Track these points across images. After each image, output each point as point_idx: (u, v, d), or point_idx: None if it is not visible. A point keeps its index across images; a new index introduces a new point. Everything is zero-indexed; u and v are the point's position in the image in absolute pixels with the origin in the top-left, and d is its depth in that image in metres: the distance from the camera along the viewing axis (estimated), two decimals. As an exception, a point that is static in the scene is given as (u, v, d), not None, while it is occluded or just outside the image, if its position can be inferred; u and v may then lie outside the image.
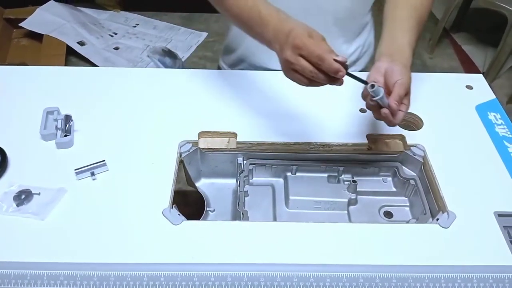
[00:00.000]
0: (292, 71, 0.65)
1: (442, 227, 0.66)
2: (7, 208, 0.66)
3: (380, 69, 0.71)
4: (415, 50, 0.74)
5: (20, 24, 2.23)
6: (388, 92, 0.68)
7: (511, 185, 0.72)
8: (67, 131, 0.77)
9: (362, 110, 0.85)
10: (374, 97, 0.66)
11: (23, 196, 0.67)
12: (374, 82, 0.66)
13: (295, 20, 0.67)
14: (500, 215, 0.67)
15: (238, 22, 0.75)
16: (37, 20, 2.26)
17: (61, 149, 0.76)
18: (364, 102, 0.87)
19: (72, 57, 2.23)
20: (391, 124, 0.69)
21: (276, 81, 0.91)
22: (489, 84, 0.93)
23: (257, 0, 0.71)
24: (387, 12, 0.80)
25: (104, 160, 0.72)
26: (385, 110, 0.67)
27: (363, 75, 0.70)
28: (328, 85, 0.90)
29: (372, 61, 1.00)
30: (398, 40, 0.74)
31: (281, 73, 0.93)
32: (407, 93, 0.68)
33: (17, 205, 0.67)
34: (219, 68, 1.09)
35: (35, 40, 2.24)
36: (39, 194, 0.68)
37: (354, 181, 0.79)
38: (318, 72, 0.63)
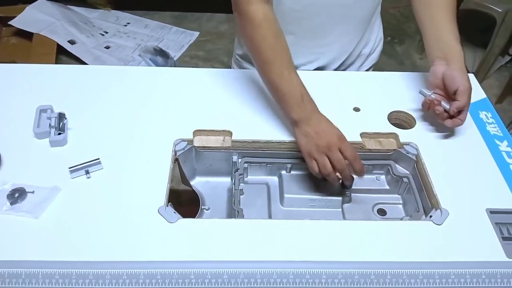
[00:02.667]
0: (313, 161, 0.73)
1: (435, 224, 0.67)
2: (0, 206, 0.66)
3: (437, 74, 0.79)
4: (459, 39, 0.81)
5: (9, 22, 2.20)
6: (449, 97, 0.79)
7: (502, 182, 0.73)
8: (60, 129, 0.76)
9: (355, 109, 0.86)
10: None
11: (16, 195, 0.67)
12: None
13: (323, 116, 0.75)
14: (492, 212, 0.68)
15: (272, 82, 0.76)
16: (27, 19, 2.24)
17: (55, 147, 0.75)
18: (359, 101, 0.88)
19: (62, 56, 2.21)
20: (451, 125, 0.79)
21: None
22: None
23: (298, 76, 0.76)
24: (422, 12, 0.84)
25: (98, 159, 0.72)
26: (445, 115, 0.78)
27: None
28: (323, 84, 0.91)
29: (381, 55, 1.05)
30: (445, 38, 0.80)
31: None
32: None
33: (11, 204, 0.66)
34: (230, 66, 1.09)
35: (25, 38, 2.22)
36: (33, 192, 0.68)
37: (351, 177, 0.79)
38: (333, 172, 0.72)
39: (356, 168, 0.73)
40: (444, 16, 0.82)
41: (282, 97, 0.76)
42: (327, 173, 0.72)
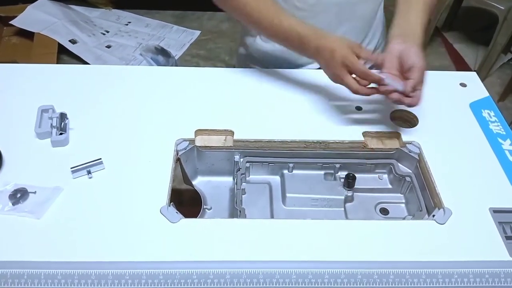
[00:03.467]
0: (340, 81, 0.76)
1: (438, 223, 0.67)
2: (2, 207, 0.66)
3: (394, 51, 0.76)
4: (425, 29, 0.80)
5: (10, 22, 2.20)
6: (403, 73, 0.75)
7: (505, 181, 0.73)
8: (62, 129, 0.76)
9: (358, 108, 0.85)
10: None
11: (18, 195, 0.67)
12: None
13: (332, 35, 0.76)
14: (495, 211, 0.68)
15: (272, 37, 0.81)
16: (28, 18, 2.23)
17: (57, 147, 0.75)
18: (361, 100, 0.87)
19: (63, 55, 2.21)
20: (409, 104, 0.75)
21: (273, 79, 0.91)
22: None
23: (290, 19, 0.77)
24: None
25: (100, 159, 0.72)
26: (395, 95, 0.74)
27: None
28: (325, 83, 0.90)
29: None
30: (411, 20, 0.80)
31: (279, 71, 0.94)
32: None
33: (13, 204, 0.66)
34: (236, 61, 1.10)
35: (26, 38, 2.21)
36: (35, 192, 0.68)
37: (354, 176, 0.79)
38: (361, 87, 0.74)
39: (376, 62, 0.74)
40: (417, 2, 0.82)
41: (286, 44, 0.80)
42: (356, 90, 0.74)
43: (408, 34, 0.78)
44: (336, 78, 0.77)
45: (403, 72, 0.75)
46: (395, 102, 0.74)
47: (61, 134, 0.75)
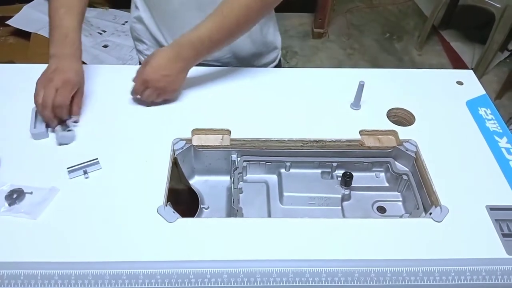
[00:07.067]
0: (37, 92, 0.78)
1: (435, 221, 0.67)
2: (-2, 207, 0.65)
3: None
4: (206, 38, 0.79)
5: (7, 22, 2.19)
6: None
7: (502, 179, 0.73)
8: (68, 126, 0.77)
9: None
10: None
11: (15, 196, 0.67)
12: None
13: (71, 65, 0.82)
14: (492, 209, 0.68)
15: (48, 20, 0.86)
16: (24, 18, 2.22)
17: (62, 144, 0.75)
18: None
19: (60, 55, 2.20)
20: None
21: (270, 78, 0.91)
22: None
23: (73, 20, 0.86)
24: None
25: (96, 159, 0.72)
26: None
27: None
28: (321, 82, 0.90)
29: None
30: (191, 31, 0.79)
31: (276, 70, 0.94)
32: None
33: (9, 205, 0.66)
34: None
35: (23, 38, 2.20)
36: (31, 193, 0.67)
37: (351, 175, 0.79)
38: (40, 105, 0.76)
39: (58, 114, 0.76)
40: (213, 13, 0.79)
41: (51, 31, 0.83)
42: (36, 103, 0.76)
43: (178, 43, 0.80)
44: (47, 84, 0.77)
45: None
46: None
47: (69, 131, 0.75)
